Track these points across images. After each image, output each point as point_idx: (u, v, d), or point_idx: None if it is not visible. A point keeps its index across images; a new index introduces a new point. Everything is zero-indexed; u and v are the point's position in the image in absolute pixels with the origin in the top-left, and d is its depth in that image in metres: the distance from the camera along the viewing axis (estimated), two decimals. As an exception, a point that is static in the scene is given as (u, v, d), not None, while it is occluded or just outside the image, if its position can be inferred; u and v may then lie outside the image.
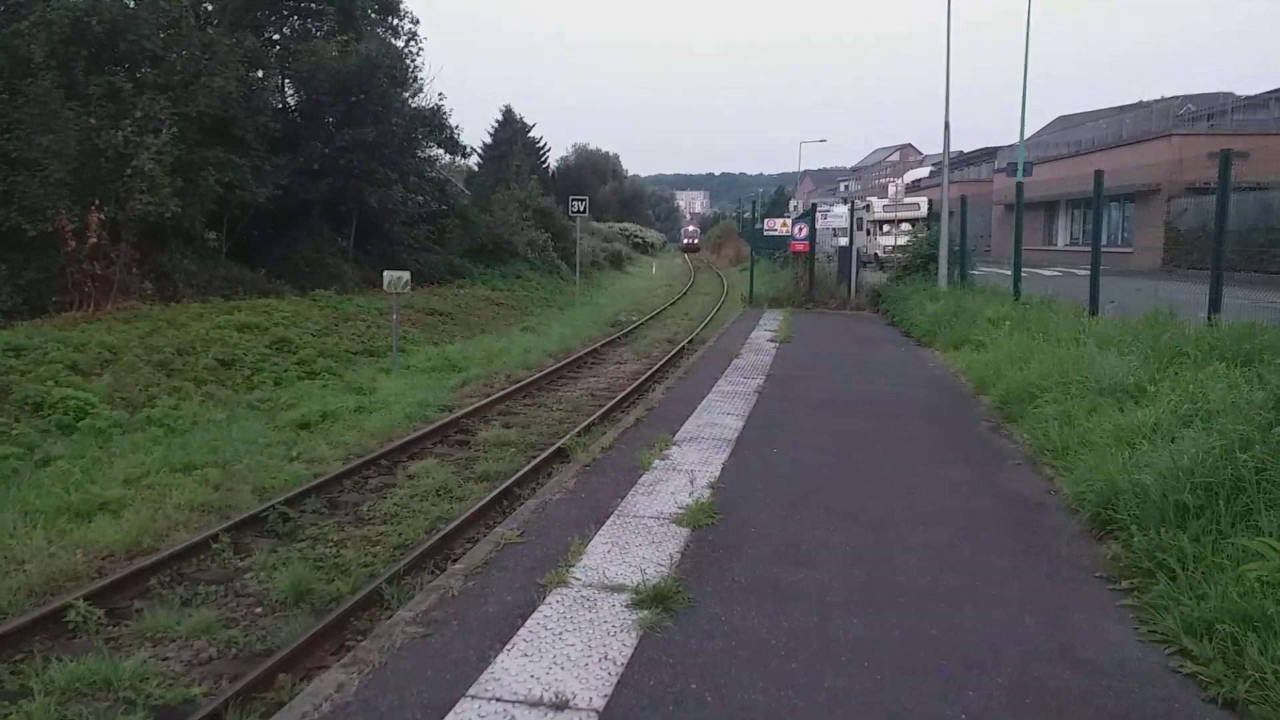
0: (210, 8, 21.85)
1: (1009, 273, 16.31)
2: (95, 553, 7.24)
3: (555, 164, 76.32)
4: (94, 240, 15.78)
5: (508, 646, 4.21)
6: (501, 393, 13.78)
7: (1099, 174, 12.89)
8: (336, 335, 17.86)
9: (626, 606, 4.64)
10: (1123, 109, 45.52)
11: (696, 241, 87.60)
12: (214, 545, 7.28)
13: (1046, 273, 23.86)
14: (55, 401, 11.13)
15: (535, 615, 4.55)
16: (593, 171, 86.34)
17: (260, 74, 23.11)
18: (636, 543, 5.60)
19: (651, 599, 4.67)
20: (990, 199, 42.13)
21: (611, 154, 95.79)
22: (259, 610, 6.32)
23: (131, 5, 18.89)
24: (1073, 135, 45.28)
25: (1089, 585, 5.00)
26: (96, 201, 16.13)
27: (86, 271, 15.82)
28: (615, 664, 4.04)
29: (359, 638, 5.55)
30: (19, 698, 5.03)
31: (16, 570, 6.79)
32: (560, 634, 4.34)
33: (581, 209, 31.23)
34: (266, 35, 24.53)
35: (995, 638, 4.35)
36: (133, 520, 7.83)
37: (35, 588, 6.53)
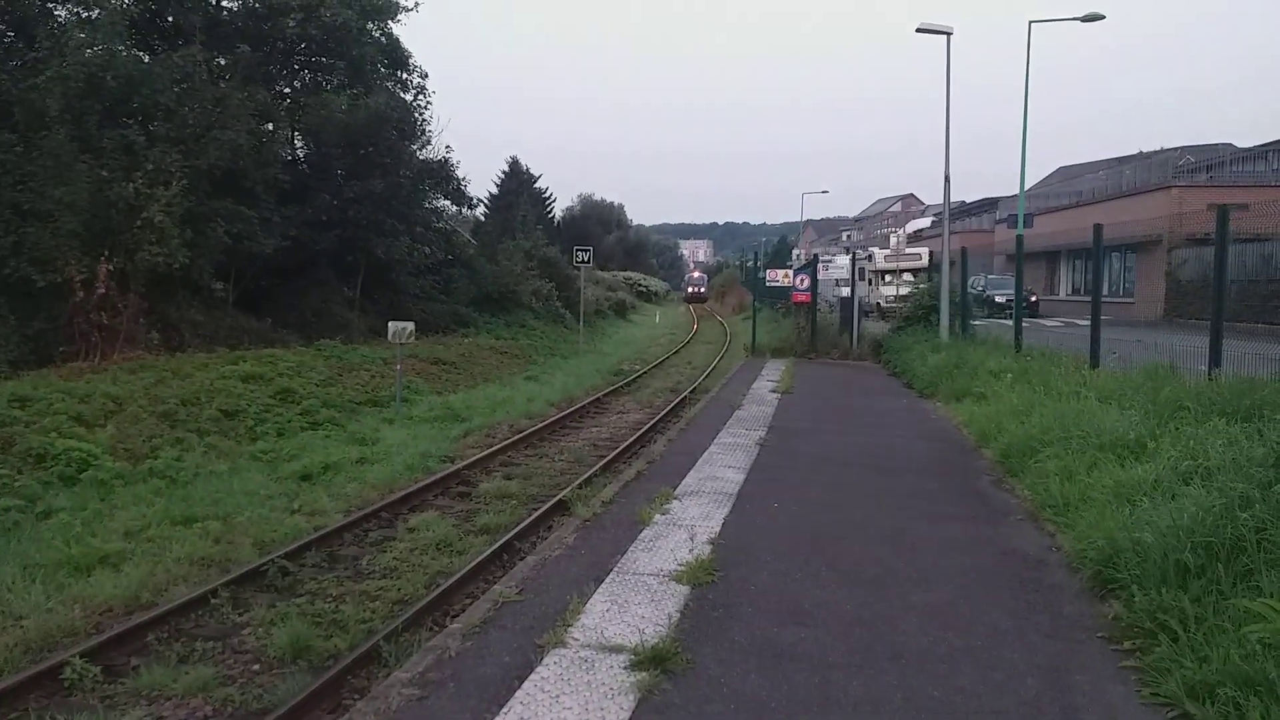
0: (223, 62, 22.25)
1: (1010, 323, 16.36)
2: (94, 608, 7.21)
3: (560, 214, 77.05)
4: (102, 291, 15.91)
5: (504, 710, 4.18)
6: (504, 443, 13.79)
7: (1098, 227, 13.00)
8: (340, 385, 17.91)
9: (625, 668, 4.61)
10: (1122, 160, 45.97)
11: (704, 289, 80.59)
12: (213, 600, 7.26)
13: (1048, 323, 23.89)
14: (58, 453, 11.15)
15: (532, 677, 4.52)
16: (598, 221, 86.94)
17: (270, 127, 23.50)
18: (636, 601, 5.57)
19: (650, 660, 4.64)
20: (992, 250, 42.37)
21: (616, 204, 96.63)
22: (256, 667, 6.28)
23: (146, 60, 19.27)
24: (1073, 186, 45.68)
25: (1091, 646, 4.97)
26: (106, 252, 16.31)
27: (94, 321, 15.93)
28: (612, 728, 4.01)
29: (356, 697, 5.52)
30: (12, 758, 5.00)
31: (14, 626, 6.76)
32: (557, 697, 4.31)
33: (586, 259, 31.46)
34: (277, 89, 24.99)
35: (997, 700, 4.31)
36: (132, 574, 7.81)
37: (32, 644, 6.50)
